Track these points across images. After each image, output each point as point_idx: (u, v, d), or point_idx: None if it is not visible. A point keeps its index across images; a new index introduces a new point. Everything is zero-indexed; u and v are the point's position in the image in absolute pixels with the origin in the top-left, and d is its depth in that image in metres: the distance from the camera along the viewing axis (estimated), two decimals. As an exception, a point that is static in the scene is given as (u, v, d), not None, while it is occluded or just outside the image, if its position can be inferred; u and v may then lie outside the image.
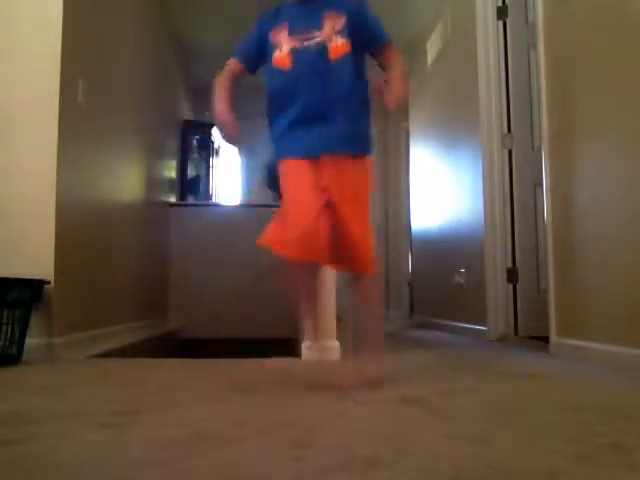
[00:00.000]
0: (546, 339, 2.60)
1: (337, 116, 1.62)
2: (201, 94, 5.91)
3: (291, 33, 1.64)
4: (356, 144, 1.67)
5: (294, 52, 1.62)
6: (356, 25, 1.65)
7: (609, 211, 2.18)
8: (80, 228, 2.61)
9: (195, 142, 5.40)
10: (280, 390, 1.64)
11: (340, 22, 1.63)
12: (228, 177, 6.12)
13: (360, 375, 1.59)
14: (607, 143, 2.20)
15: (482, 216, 3.37)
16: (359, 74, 1.68)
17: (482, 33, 3.42)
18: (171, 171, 4.91)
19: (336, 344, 2.33)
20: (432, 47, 4.49)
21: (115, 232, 3.19)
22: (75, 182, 2.56)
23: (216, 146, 5.68)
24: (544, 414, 1.31)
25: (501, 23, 3.38)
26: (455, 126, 3.99)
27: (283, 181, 1.66)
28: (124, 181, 3.42)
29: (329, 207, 1.56)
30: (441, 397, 1.51)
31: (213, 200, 5.62)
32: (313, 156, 1.61)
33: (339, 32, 1.62)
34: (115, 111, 3.16)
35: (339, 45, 1.61)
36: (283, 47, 1.63)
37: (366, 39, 1.68)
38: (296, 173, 1.62)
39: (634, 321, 1.98)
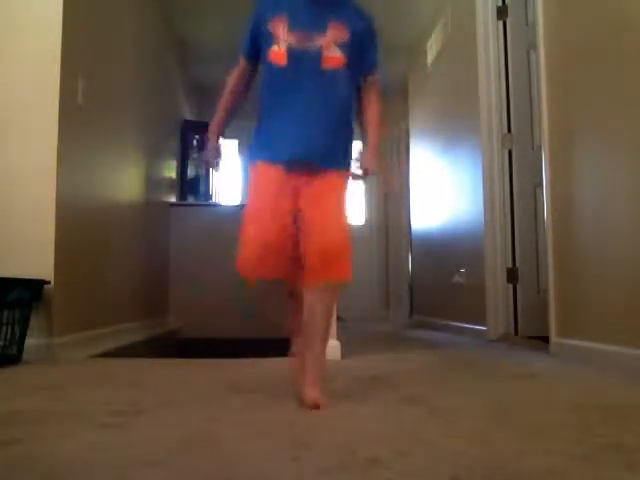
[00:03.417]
0: (546, 339, 2.60)
1: (320, 127, 1.56)
2: (201, 94, 5.91)
3: (292, 28, 1.55)
4: (332, 160, 1.58)
5: (291, 50, 1.55)
6: (359, 45, 1.60)
7: (609, 211, 2.18)
8: (80, 228, 2.61)
9: (195, 142, 5.39)
10: (280, 390, 1.64)
11: (344, 36, 1.57)
12: (228, 177, 6.12)
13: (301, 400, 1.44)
14: (607, 143, 2.20)
15: (482, 216, 3.36)
16: (348, 93, 1.63)
17: (482, 33, 3.42)
18: (171, 171, 4.91)
19: (336, 344, 2.33)
20: (432, 47, 4.49)
21: (115, 232, 3.19)
22: (75, 182, 2.55)
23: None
24: (544, 414, 1.31)
25: (501, 23, 3.38)
26: (455, 126, 3.98)
27: (250, 186, 1.64)
28: (124, 181, 3.42)
29: (297, 213, 1.52)
30: (441, 397, 1.51)
31: (213, 200, 5.62)
32: (287, 164, 1.55)
33: (339, 45, 1.56)
34: (115, 111, 3.16)
35: (334, 57, 1.56)
36: (281, 42, 1.56)
37: (360, 60, 1.62)
38: (263, 182, 1.59)
39: (634, 321, 1.98)
